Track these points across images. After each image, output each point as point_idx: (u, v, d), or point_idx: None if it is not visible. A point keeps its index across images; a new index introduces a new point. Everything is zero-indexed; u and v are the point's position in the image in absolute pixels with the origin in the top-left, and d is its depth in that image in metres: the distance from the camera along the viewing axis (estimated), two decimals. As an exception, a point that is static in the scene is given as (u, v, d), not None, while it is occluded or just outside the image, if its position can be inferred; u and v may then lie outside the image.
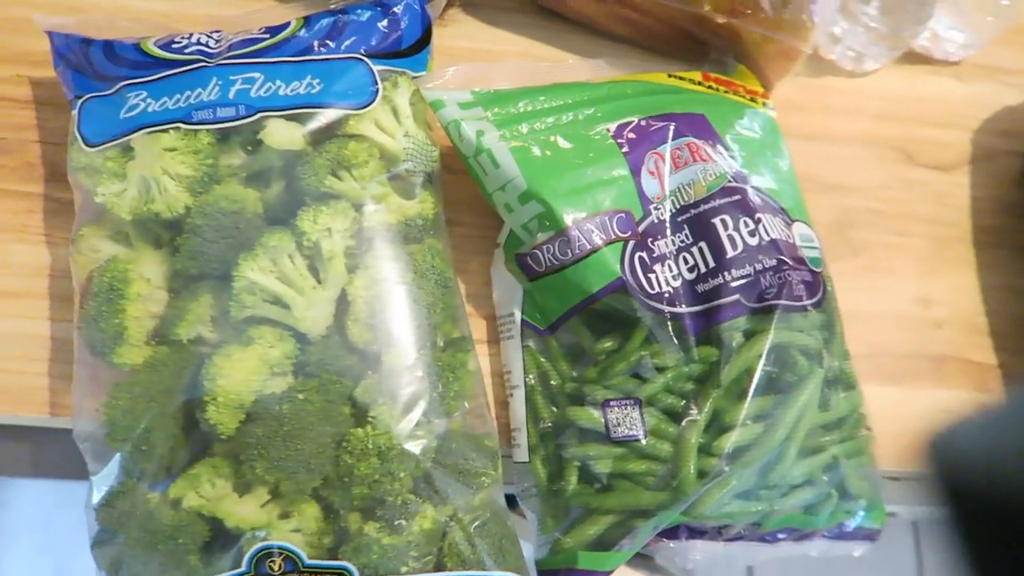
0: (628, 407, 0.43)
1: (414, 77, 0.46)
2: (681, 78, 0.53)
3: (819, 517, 0.45)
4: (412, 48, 0.47)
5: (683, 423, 0.43)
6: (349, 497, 0.39)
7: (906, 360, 0.56)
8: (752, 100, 0.54)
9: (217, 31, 0.46)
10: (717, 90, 0.53)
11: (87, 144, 0.42)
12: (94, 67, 0.44)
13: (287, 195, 0.43)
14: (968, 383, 0.56)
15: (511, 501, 0.45)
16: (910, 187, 0.61)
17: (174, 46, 0.44)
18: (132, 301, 0.40)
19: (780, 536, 0.45)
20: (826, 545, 0.48)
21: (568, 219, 0.43)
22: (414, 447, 0.39)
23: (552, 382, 0.46)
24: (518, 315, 0.47)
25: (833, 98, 0.63)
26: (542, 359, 0.47)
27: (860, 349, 0.55)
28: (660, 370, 0.44)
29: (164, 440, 0.40)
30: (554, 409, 0.46)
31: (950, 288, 0.58)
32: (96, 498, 0.40)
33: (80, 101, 0.43)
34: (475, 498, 0.41)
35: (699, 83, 0.53)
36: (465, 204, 0.52)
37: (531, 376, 0.46)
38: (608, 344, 0.45)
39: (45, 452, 0.49)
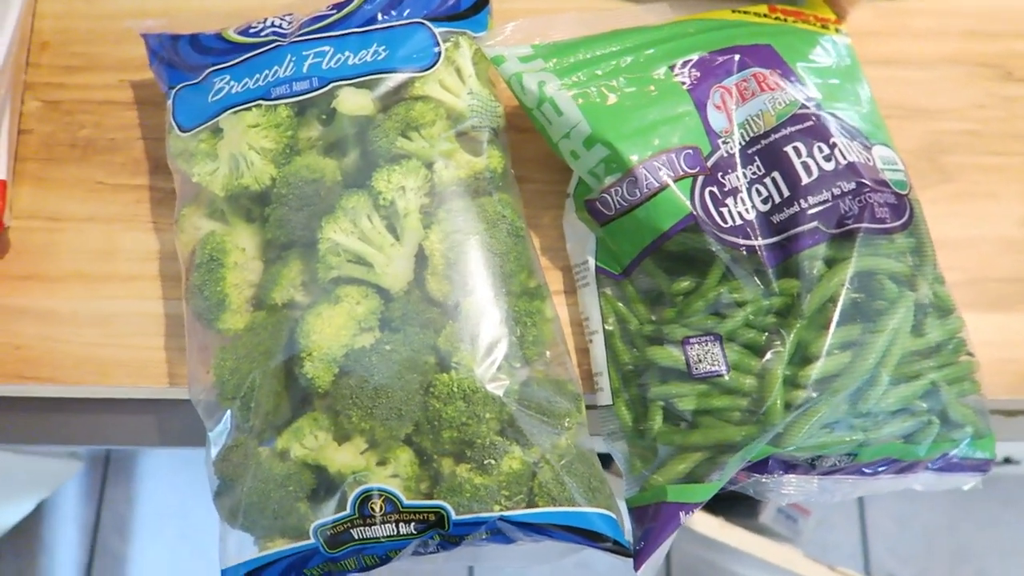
0: (708, 343, 0.43)
1: (475, 37, 0.48)
2: (746, 12, 0.52)
3: (920, 446, 0.43)
4: (471, 9, 0.48)
5: (767, 355, 0.42)
6: (439, 441, 0.41)
7: (1013, 284, 0.52)
8: (824, 27, 0.53)
9: (290, 14, 0.49)
10: (785, 20, 0.52)
11: (181, 130, 0.46)
12: (183, 59, 0.48)
13: (363, 161, 0.45)
14: (1085, 306, 0.52)
15: (605, 461, 0.46)
16: (1009, 104, 0.57)
17: (251, 31, 0.47)
18: (230, 270, 0.43)
19: (880, 468, 0.44)
20: (931, 478, 0.46)
21: (633, 159, 0.43)
22: (497, 389, 0.41)
23: (631, 326, 0.46)
24: (592, 262, 0.48)
25: (915, 20, 0.60)
26: (619, 304, 0.47)
27: (960, 276, 0.53)
28: (740, 305, 0.43)
29: (268, 397, 0.43)
30: (634, 352, 0.46)
31: (1059, 207, 0.55)
32: (213, 453, 0.44)
33: (173, 91, 0.47)
34: (561, 439, 0.42)
35: (765, 15, 0.52)
36: (534, 161, 0.53)
37: (609, 321, 0.47)
38: (685, 284, 0.45)
39: (169, 423, 0.53)
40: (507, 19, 0.51)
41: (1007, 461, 0.98)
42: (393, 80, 0.44)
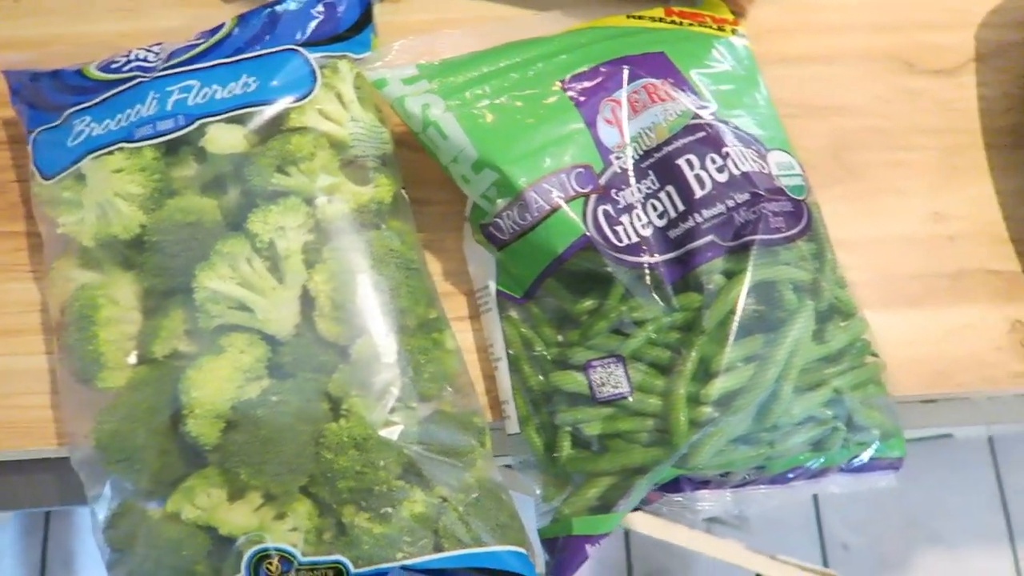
0: (611, 366, 0.42)
1: (356, 59, 0.45)
2: (641, 17, 0.50)
3: (829, 453, 0.43)
4: (351, 30, 0.46)
5: (671, 374, 0.41)
6: (336, 491, 0.39)
7: (920, 280, 0.52)
8: (720, 30, 0.52)
9: (158, 44, 0.46)
10: (681, 24, 0.51)
11: (43, 176, 0.43)
12: (45, 98, 0.45)
13: (244, 199, 0.42)
14: (991, 295, 0.52)
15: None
16: (912, 97, 0.57)
17: (113, 66, 0.44)
18: (103, 326, 0.41)
19: (792, 476, 0.43)
20: (846, 480, 0.45)
21: (522, 182, 0.42)
22: (391, 433, 0.39)
23: (537, 349, 0.45)
24: (493, 287, 0.46)
25: (817, 16, 0.59)
26: (525, 327, 0.46)
27: (868, 275, 0.52)
28: (640, 324, 0.42)
29: (156, 456, 0.41)
30: (540, 377, 0.45)
31: (964, 199, 0.55)
32: (101, 521, 0.41)
33: (32, 135, 0.44)
34: (466, 477, 0.41)
35: (661, 20, 0.51)
36: (435, 182, 0.51)
37: (515, 345, 0.45)
38: (588, 304, 0.44)
39: (70, 481, 0.50)
40: (404, 32, 0.49)
41: (943, 436, 1.00)
42: (267, 112, 0.42)
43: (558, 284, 0.45)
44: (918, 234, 0.53)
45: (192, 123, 0.41)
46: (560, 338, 0.45)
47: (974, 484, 1.47)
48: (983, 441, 1.50)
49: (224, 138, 0.41)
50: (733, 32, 0.52)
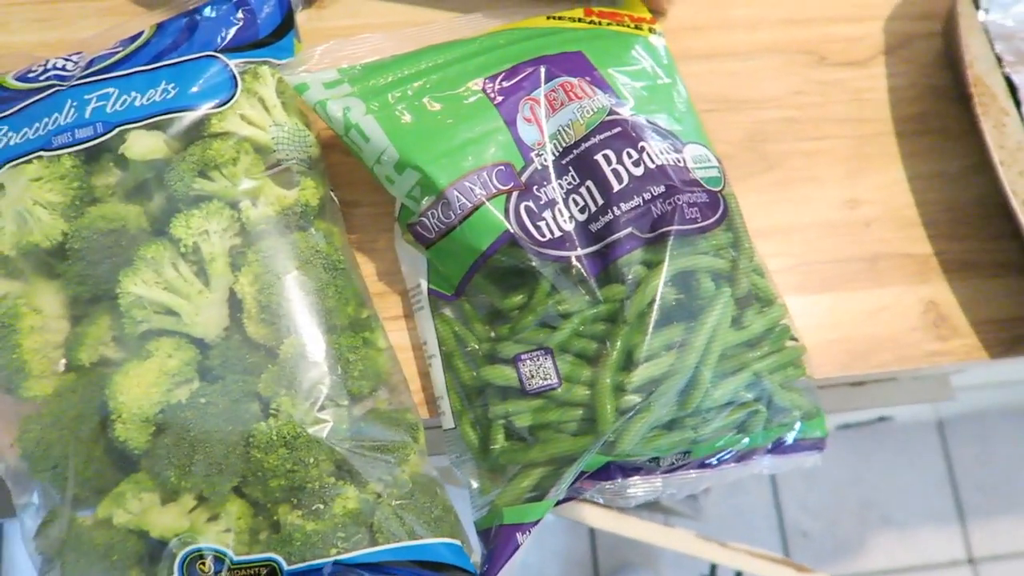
0: (539, 358, 0.43)
1: (278, 64, 0.46)
2: (561, 18, 0.52)
3: (752, 435, 0.44)
4: (272, 36, 0.46)
5: (597, 364, 0.42)
6: (269, 490, 0.40)
7: (838, 265, 0.55)
8: (638, 28, 0.53)
9: (77, 53, 0.46)
10: (599, 24, 0.52)
11: (-39, 188, 0.43)
12: (-43, 110, 0.44)
13: (168, 204, 0.43)
14: (906, 278, 0.55)
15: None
16: (824, 89, 0.60)
17: (30, 76, 0.44)
18: (26, 335, 0.41)
19: (720, 459, 0.45)
20: (773, 461, 0.47)
21: (444, 181, 0.43)
22: (320, 431, 0.40)
23: (469, 345, 0.46)
24: (424, 285, 0.47)
25: (733, 12, 0.61)
26: (457, 324, 0.47)
27: (788, 262, 0.55)
28: (566, 316, 0.43)
29: (85, 463, 0.40)
30: (474, 372, 0.46)
31: (877, 185, 0.57)
32: (29, 530, 0.41)
33: (-53, 146, 0.44)
34: (400, 472, 0.41)
35: (580, 20, 0.52)
36: (364, 184, 0.52)
37: (448, 342, 0.46)
38: (518, 299, 0.45)
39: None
40: (330, 37, 0.50)
41: (881, 419, 1.03)
42: (187, 118, 0.42)
43: (487, 281, 0.46)
44: (834, 220, 0.56)
45: (111, 130, 0.41)
46: (492, 334, 0.46)
47: (924, 466, 1.52)
48: (932, 424, 1.55)
49: (143, 144, 0.42)
50: (651, 31, 0.54)
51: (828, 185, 0.57)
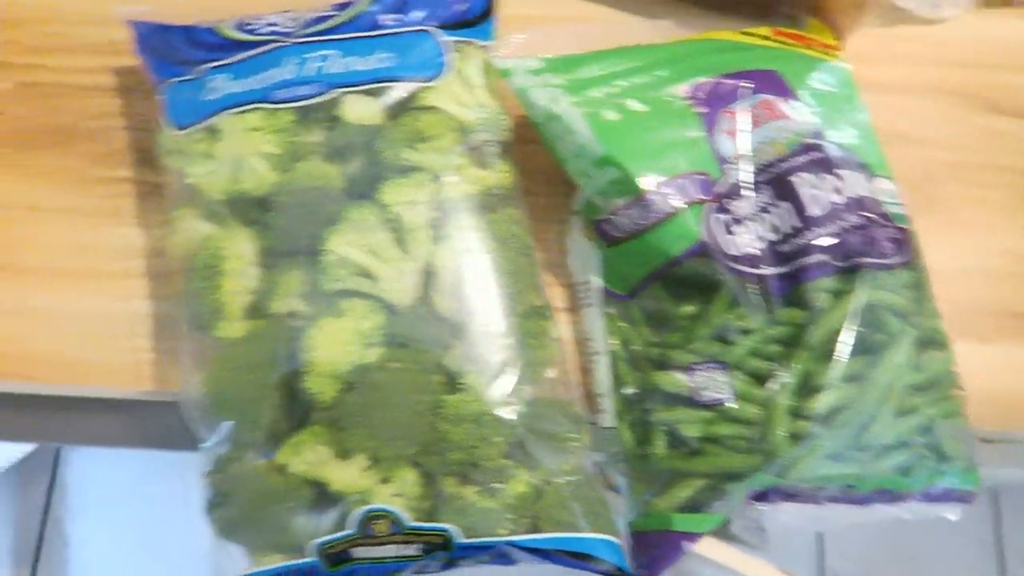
0: (714, 371, 0.43)
1: (482, 46, 0.46)
2: (751, 35, 0.52)
3: (914, 479, 0.44)
4: (479, 17, 0.47)
5: (772, 386, 0.43)
6: (446, 462, 0.40)
7: (995, 317, 0.54)
8: (825, 53, 0.53)
9: (287, 11, 0.47)
10: (789, 45, 0.52)
11: (175, 127, 0.44)
12: (176, 52, 0.46)
13: (368, 169, 0.43)
14: (1062, 338, 0.54)
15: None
16: (993, 137, 0.59)
17: (249, 28, 0.45)
18: (228, 277, 0.42)
19: (872, 498, 0.45)
20: (919, 507, 0.47)
21: (645, 183, 0.43)
22: (506, 412, 0.40)
23: (634, 347, 0.46)
24: (596, 281, 0.47)
25: (908, 47, 0.61)
26: (623, 324, 0.47)
27: (945, 307, 0.54)
28: (745, 333, 0.43)
29: (268, 409, 0.41)
30: (638, 374, 0.46)
31: (1041, 240, 0.56)
32: (208, 465, 0.42)
33: (165, 86, 0.45)
34: (566, 462, 0.42)
35: (769, 39, 0.52)
36: (540, 173, 0.52)
37: (613, 341, 0.46)
38: (690, 308, 0.45)
39: (145, 425, 0.51)
40: (511, 24, 0.50)
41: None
42: (399, 89, 0.43)
43: (661, 287, 0.46)
44: (997, 270, 0.55)
45: (329, 91, 0.42)
46: (657, 339, 0.46)
47: (972, 530, 1.49)
48: (986, 489, 1.52)
49: (360, 108, 0.42)
50: (836, 57, 0.54)
51: (992, 233, 0.56)
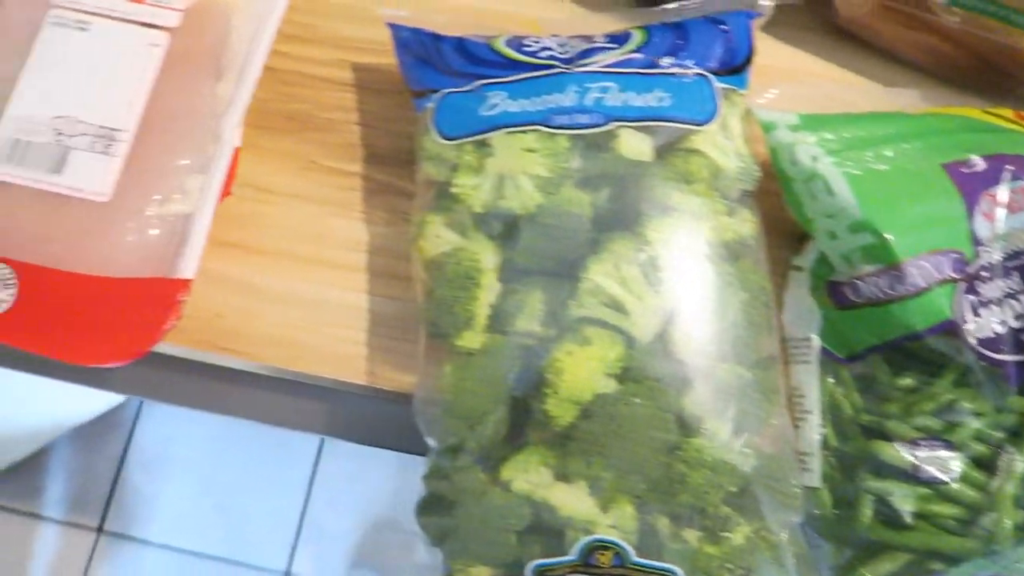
0: (939, 448, 0.43)
1: (742, 95, 0.47)
2: (995, 115, 0.51)
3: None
4: (742, 65, 0.47)
5: (997, 472, 0.42)
6: (671, 503, 0.41)
7: None
8: (1068, 144, 0.52)
9: (555, 35, 0.48)
10: (1033, 130, 0.52)
11: (443, 136, 0.45)
12: (446, 62, 0.47)
13: (619, 203, 0.44)
14: None
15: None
16: None
17: (525, 48, 0.46)
18: (484, 290, 0.43)
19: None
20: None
21: (904, 253, 0.43)
22: (742, 462, 0.41)
23: (845, 411, 0.46)
24: (816, 341, 0.47)
25: None
26: (834, 386, 0.47)
27: None
28: (975, 415, 0.43)
29: (496, 424, 0.42)
30: (846, 439, 0.46)
31: None
32: (430, 468, 0.43)
33: (437, 95, 0.46)
34: (783, 517, 0.42)
35: (1012, 121, 0.51)
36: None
37: (831, 404, 0.46)
38: (908, 381, 0.45)
39: (341, 414, 0.53)
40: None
41: None
42: (671, 130, 0.44)
43: (880, 355, 0.46)
44: None
45: (607, 123, 0.43)
46: (868, 405, 0.46)
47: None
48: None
49: (634, 143, 0.43)
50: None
51: None
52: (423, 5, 0.56)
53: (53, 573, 1.39)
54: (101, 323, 0.38)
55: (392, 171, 0.54)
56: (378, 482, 1.44)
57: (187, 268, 0.40)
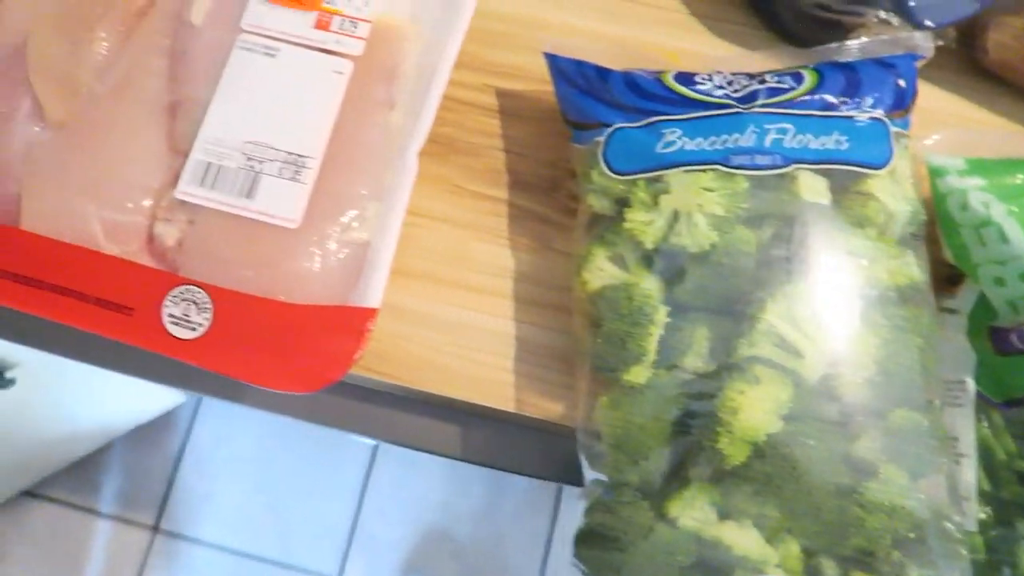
0: (1107, 501, 0.43)
1: (909, 138, 0.47)
2: None
3: None
4: (909, 107, 0.47)
5: None
6: (841, 545, 0.41)
7: None
8: None
9: (720, 72, 0.48)
10: None
11: (613, 171, 0.45)
12: (614, 96, 0.47)
13: (787, 243, 0.44)
14: None
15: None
16: None
17: (698, 87, 0.46)
18: (658, 327, 0.43)
19: None
20: None
21: (1079, 306, 0.43)
22: (919, 508, 0.40)
23: (998, 456, 0.46)
24: (971, 384, 0.47)
25: None
26: (986, 430, 0.47)
27: None
28: None
29: (660, 459, 0.43)
30: (998, 483, 0.46)
31: None
32: (592, 501, 0.44)
33: (608, 129, 0.46)
34: (953, 563, 0.42)
35: None
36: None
37: (987, 448, 0.46)
38: (1067, 431, 0.45)
39: (472, 437, 0.53)
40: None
41: None
42: (846, 172, 0.44)
43: (1035, 402, 0.46)
44: None
45: (788, 165, 0.43)
46: (1020, 451, 0.46)
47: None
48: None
49: (812, 185, 0.43)
50: None
51: None
52: (564, 32, 0.57)
53: (110, 569, 1.41)
54: (294, 349, 0.39)
55: (536, 198, 0.54)
56: (425, 491, 1.45)
57: (373, 297, 0.40)
